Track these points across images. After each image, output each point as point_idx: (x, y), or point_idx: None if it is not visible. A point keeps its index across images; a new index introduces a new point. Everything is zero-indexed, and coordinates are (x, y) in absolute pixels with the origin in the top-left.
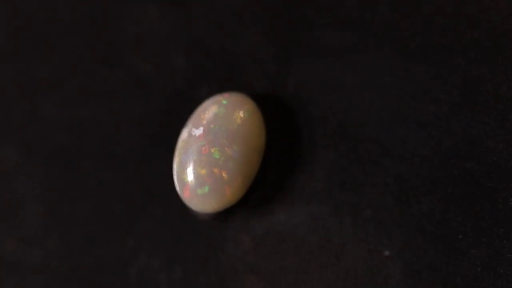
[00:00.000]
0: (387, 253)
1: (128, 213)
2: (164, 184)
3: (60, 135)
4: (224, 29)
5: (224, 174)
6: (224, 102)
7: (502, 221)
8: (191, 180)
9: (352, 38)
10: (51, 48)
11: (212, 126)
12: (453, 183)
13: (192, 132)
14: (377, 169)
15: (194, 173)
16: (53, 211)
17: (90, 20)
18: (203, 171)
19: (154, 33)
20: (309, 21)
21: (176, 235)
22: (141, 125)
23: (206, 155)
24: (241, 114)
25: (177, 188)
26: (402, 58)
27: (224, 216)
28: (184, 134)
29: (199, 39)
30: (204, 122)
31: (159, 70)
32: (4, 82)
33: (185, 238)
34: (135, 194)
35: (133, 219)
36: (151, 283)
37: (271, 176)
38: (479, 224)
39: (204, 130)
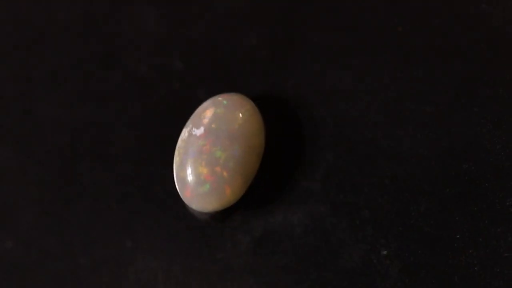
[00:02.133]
0: (384, 252)
1: (125, 213)
2: (162, 184)
3: (57, 136)
4: (221, 31)
5: (224, 174)
6: (225, 102)
7: (499, 221)
8: (192, 179)
9: (349, 40)
10: (48, 49)
11: (213, 126)
12: (450, 183)
13: (193, 132)
14: (375, 170)
15: (194, 172)
16: (49, 211)
17: (87, 21)
18: (204, 170)
19: (151, 35)
20: (307, 23)
21: (174, 235)
22: (138, 126)
23: (207, 154)
24: (241, 114)
25: (177, 187)
26: (399, 59)
27: (222, 216)
28: (184, 133)
29: (196, 41)
30: (205, 122)
31: (156, 71)
32: (0, 82)
33: (183, 238)
34: (132, 194)
35: (130, 220)
36: (149, 283)
37: (269, 176)
38: (476, 224)
39: (205, 130)
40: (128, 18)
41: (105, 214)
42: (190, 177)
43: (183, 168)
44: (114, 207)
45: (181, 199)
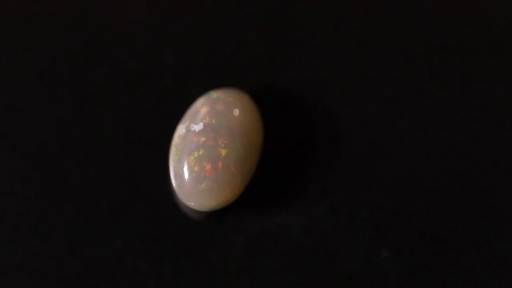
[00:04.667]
0: (384, 253)
1: (115, 212)
2: (152, 183)
3: (42, 131)
4: (215, 23)
5: (224, 171)
6: (222, 97)
7: (501, 221)
8: (190, 176)
9: (348, 36)
10: (35, 42)
11: (213, 121)
12: (451, 183)
13: (191, 128)
14: (374, 169)
15: (193, 169)
16: (35, 210)
17: (75, 13)
18: (203, 167)
19: (141, 28)
20: (304, 18)
21: (165, 235)
22: (128, 122)
23: (206, 151)
24: (240, 110)
25: (174, 184)
26: (399, 56)
27: (216, 215)
28: (181, 129)
29: (189, 35)
30: (204, 117)
31: (147, 66)
32: None
33: (175, 238)
34: (121, 193)
35: (119, 219)
36: (140, 285)
37: (266, 174)
38: (477, 225)
39: (204, 126)
40: (118, 10)
41: (93, 213)
42: (188, 175)
43: (181, 165)
44: (102, 206)
45: (173, 198)
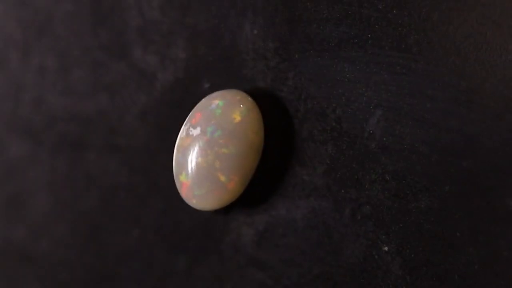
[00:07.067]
0: (385, 248)
1: (133, 203)
2: (167, 175)
3: (66, 125)
4: (224, 22)
5: (221, 175)
6: (222, 101)
7: (499, 219)
8: (188, 181)
9: (351, 33)
10: (56, 39)
11: (209, 126)
12: (450, 180)
13: (190, 132)
14: (375, 166)
15: (191, 173)
16: (60, 200)
17: (93, 11)
18: (200, 172)
19: (156, 25)
20: (309, 16)
21: (179, 227)
22: (145, 116)
23: (203, 155)
24: (239, 113)
25: (177, 186)
26: (400, 54)
27: (226, 210)
28: (182, 132)
29: (200, 32)
30: (201, 122)
31: (162, 62)
32: (11, 72)
33: (188, 230)
34: (139, 185)
35: (137, 210)
36: (155, 273)
37: (272, 171)
38: (476, 222)
39: (201, 130)
40: (134, 8)
41: (113, 204)
42: (186, 179)
43: (181, 167)
44: (121, 197)
45: None
